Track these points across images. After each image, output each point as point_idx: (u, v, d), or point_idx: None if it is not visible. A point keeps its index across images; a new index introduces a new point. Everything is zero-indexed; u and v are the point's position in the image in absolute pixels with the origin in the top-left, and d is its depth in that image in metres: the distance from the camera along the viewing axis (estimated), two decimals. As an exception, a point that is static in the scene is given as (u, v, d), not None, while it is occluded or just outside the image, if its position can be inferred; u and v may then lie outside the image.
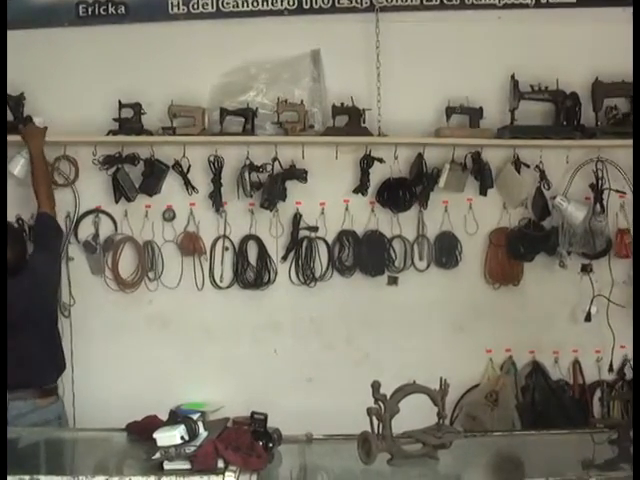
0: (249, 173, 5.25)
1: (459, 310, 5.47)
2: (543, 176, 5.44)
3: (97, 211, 5.34)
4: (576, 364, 5.55)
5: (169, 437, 3.00)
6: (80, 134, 5.20)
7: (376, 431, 3.21)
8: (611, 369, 5.55)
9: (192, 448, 2.95)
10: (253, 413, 3.31)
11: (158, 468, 2.90)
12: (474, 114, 5.37)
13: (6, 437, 2.97)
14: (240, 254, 5.39)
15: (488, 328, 5.46)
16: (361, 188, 5.37)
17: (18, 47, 5.10)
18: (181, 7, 5.38)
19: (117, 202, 5.28)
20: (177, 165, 5.29)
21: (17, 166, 5.12)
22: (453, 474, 3.16)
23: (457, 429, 3.51)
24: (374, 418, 3.22)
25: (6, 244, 4.44)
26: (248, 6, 5.39)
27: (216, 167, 5.29)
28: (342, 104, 5.28)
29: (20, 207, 5.18)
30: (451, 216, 5.45)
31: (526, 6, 5.49)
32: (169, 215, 5.35)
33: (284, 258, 5.40)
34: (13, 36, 5.05)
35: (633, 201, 5.35)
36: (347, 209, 5.41)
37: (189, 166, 5.30)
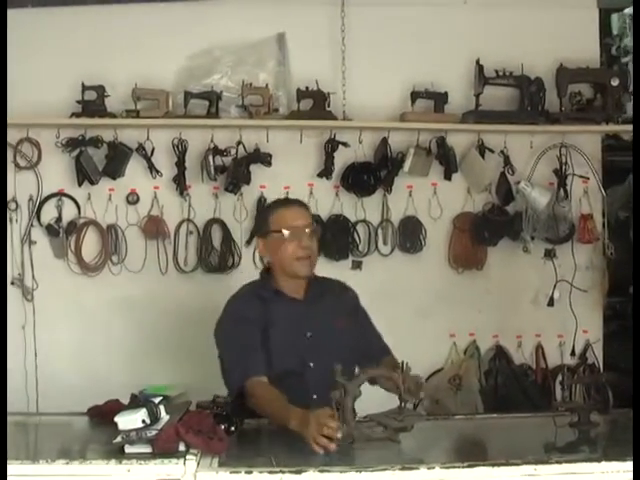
0: (213, 156, 5.24)
1: (423, 294, 5.49)
2: (507, 161, 5.47)
3: (60, 194, 5.30)
4: (539, 348, 5.60)
5: (130, 420, 2.99)
6: (43, 116, 5.16)
7: (337, 415, 3.21)
8: (573, 353, 5.60)
9: (153, 432, 2.93)
10: (215, 397, 3.30)
11: (119, 452, 2.89)
12: (439, 99, 5.38)
13: (6, 434, 2.95)
14: (204, 238, 5.37)
15: (452, 312, 5.48)
16: (325, 172, 5.37)
17: (-21, 28, 5.06)
18: (146, -12, 5.34)
19: (80, 185, 5.25)
20: (141, 148, 5.26)
21: None
22: (415, 457, 3.17)
23: (419, 412, 3.51)
24: (335, 402, 3.22)
25: (6, 243, 4.33)
26: (213, -12, 5.37)
27: (180, 150, 5.27)
28: (307, 88, 5.27)
29: None
30: (415, 201, 5.47)
31: (492, -9, 5.51)
32: (133, 198, 5.33)
33: (248, 242, 5.39)
34: (-26, 16, 5.00)
35: (633, 201, 5.36)
36: (311, 193, 5.40)
37: (153, 149, 5.28)
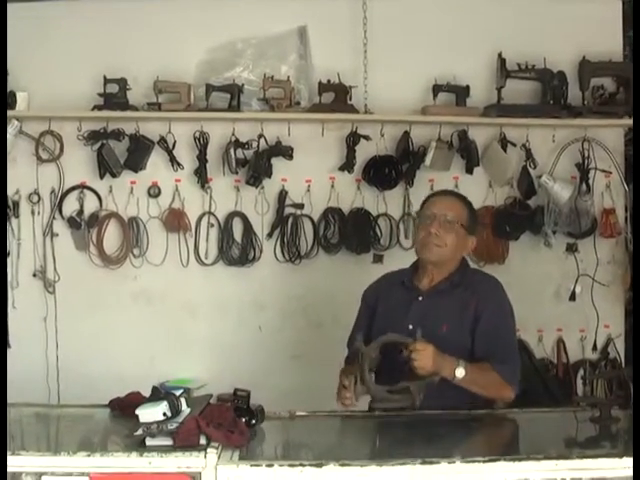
0: (234, 149, 5.24)
1: (444, 288, 5.46)
2: (529, 155, 5.44)
3: (82, 187, 5.33)
4: (560, 343, 5.57)
5: (151, 413, 2.99)
6: (65, 109, 5.18)
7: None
8: (595, 348, 5.57)
9: (174, 424, 2.93)
10: (236, 390, 3.30)
11: (140, 444, 2.89)
12: (461, 92, 5.36)
13: (6, 434, 2.95)
14: (225, 231, 5.38)
15: (473, 306, 5.45)
16: (347, 165, 5.36)
17: (2, 21, 5.07)
18: (168, -18, 5.33)
19: (102, 178, 5.26)
20: (162, 141, 5.27)
21: None
22: (435, 451, 3.14)
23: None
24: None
25: (6, 241, 4.31)
26: (235, -19, 5.36)
27: (201, 143, 5.27)
28: (328, 81, 5.26)
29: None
30: (437, 194, 5.45)
31: (514, -16, 5.47)
32: (154, 191, 5.34)
33: (269, 235, 5.39)
34: (-3, 9, 5.01)
35: (633, 201, 5.34)
36: (333, 186, 5.40)
37: (174, 142, 5.29)
